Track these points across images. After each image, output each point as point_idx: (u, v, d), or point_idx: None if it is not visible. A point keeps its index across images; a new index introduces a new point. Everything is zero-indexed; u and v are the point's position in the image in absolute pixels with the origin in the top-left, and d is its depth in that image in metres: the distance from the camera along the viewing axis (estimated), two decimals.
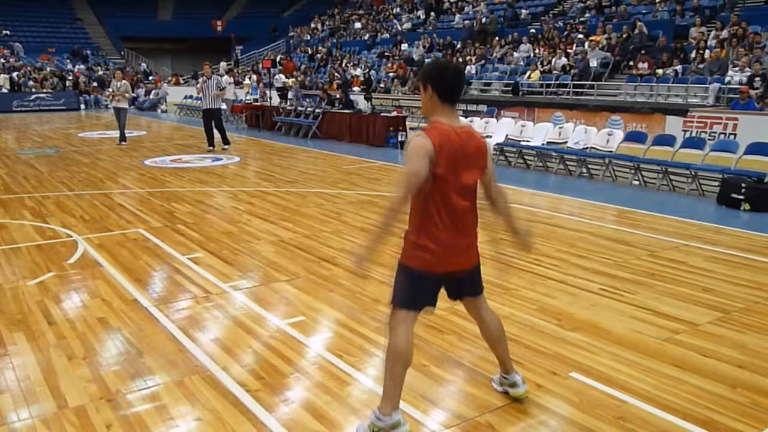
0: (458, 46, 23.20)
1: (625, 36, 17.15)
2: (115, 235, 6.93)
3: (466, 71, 20.17)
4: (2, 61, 33.19)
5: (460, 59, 21.57)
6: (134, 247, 6.44)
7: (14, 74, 30.88)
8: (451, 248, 3.02)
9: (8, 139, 18.02)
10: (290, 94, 21.88)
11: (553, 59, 17.89)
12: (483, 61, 20.66)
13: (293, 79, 25.77)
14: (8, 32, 37.14)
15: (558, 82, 16.86)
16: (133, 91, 22.91)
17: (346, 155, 13.43)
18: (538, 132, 12.22)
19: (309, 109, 17.85)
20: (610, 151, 10.75)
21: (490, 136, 12.73)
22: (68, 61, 36.22)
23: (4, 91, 28.94)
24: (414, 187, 2.87)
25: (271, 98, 21.24)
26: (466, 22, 24.94)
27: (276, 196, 9.06)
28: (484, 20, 23.67)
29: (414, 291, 3.07)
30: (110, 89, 16.32)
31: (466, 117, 14.35)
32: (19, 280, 5.46)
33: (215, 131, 14.32)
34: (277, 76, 25.15)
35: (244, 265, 5.90)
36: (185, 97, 26.78)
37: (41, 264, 5.90)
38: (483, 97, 18.06)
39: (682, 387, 3.59)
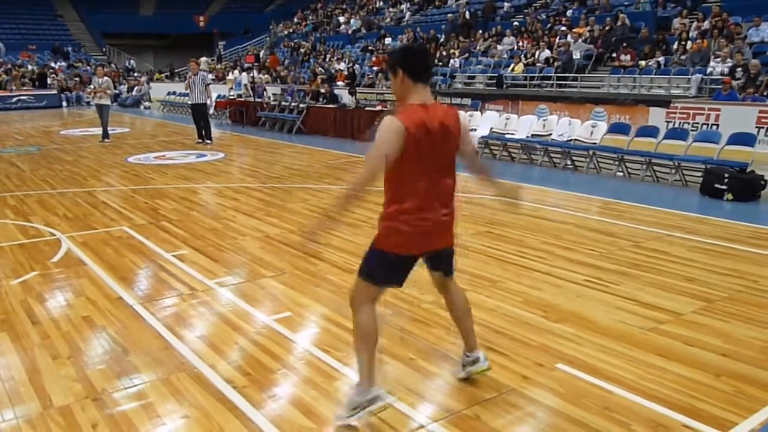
0: (441, 39, 23.19)
1: (607, 28, 17.21)
2: (99, 233, 6.87)
3: (450, 65, 20.19)
4: None
5: (444, 53, 21.56)
6: (118, 245, 6.38)
7: None
8: (429, 225, 3.05)
9: None
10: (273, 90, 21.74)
11: (537, 52, 17.93)
12: (467, 55, 20.66)
13: (266, 76, 25.59)
14: None
15: (542, 74, 16.91)
16: (115, 88, 22.67)
17: (330, 150, 13.40)
18: (522, 125, 12.25)
19: (293, 104, 17.77)
20: (594, 143, 10.80)
21: (475, 130, 12.74)
22: (49, 58, 35.77)
23: None
24: (379, 169, 2.91)
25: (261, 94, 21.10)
26: (450, 15, 24.92)
27: (261, 191, 9.01)
28: (467, 14, 23.66)
29: (385, 269, 3.10)
30: (92, 86, 16.15)
31: None
32: (1, 279, 5.39)
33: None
34: (242, 74, 24.96)
35: (230, 262, 5.87)
36: (168, 93, 26.56)
37: (24, 263, 5.83)
38: (467, 90, 18.06)
39: (666, 376, 3.62)
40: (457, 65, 20.10)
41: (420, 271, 5.36)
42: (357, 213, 7.52)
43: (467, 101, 16.13)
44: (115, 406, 3.37)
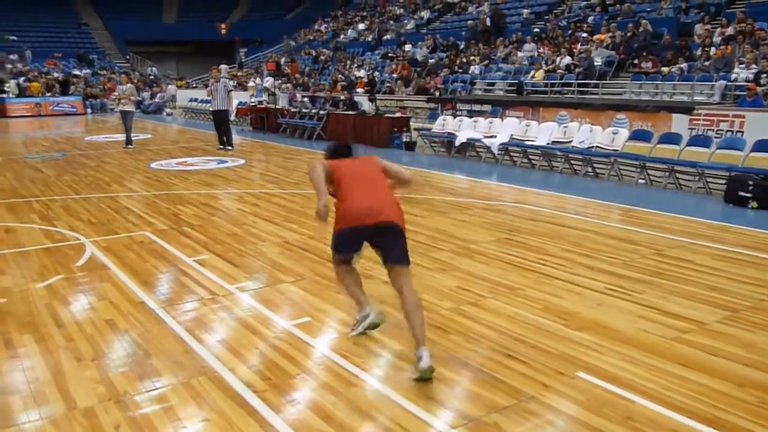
0: (462, 46, 23.20)
1: (629, 34, 17.09)
2: (121, 237, 6.96)
3: (469, 72, 20.19)
4: (10, 66, 33.37)
5: (464, 59, 21.56)
6: (141, 250, 6.46)
7: (21, 79, 31.05)
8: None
9: (16, 143, 18.12)
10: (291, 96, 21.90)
11: (557, 58, 17.86)
12: (487, 61, 20.64)
13: (288, 84, 25.78)
14: (14, 38, 37.32)
15: (562, 81, 16.83)
16: (138, 95, 23.02)
17: None
18: (542, 131, 12.20)
19: (313, 111, 17.87)
20: (616, 150, 10.72)
21: (495, 136, 12.73)
22: (74, 65, 36.38)
23: (12, 96, 29.07)
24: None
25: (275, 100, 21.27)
26: (470, 22, 24.93)
27: (281, 197, 9.08)
28: (487, 20, 23.65)
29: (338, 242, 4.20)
30: (116, 93, 16.41)
31: (470, 117, 14.35)
32: (27, 283, 5.49)
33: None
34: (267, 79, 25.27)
35: (250, 267, 5.92)
36: (190, 100, 26.86)
37: (49, 267, 5.93)
38: (487, 97, 18.04)
39: (689, 386, 3.58)
40: (477, 72, 20.09)
41: (437, 279, 5.37)
42: None
43: (487, 108, 16.10)
44: (137, 409, 3.41)
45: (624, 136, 10.85)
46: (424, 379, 3.64)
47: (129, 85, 15.72)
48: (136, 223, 7.65)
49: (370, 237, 4.02)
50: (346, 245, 4.20)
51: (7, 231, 7.33)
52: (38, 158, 13.90)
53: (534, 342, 4.18)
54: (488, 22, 23.67)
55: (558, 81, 16.92)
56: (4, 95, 28.85)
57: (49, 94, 30.15)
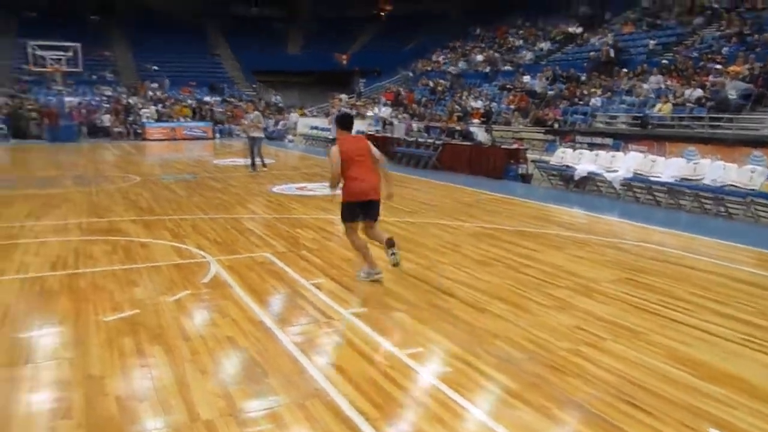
0: (582, 77, 22.67)
1: None
2: (243, 258, 7.30)
3: (590, 104, 19.66)
4: (150, 93, 36.29)
5: (584, 92, 21.04)
6: (261, 270, 6.74)
7: (159, 106, 33.66)
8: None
9: (153, 165, 19.60)
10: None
11: (687, 91, 17.01)
12: (609, 93, 20.03)
13: (404, 114, 26.20)
14: (156, 68, 40.58)
15: (692, 114, 15.99)
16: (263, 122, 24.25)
17: (465, 187, 13.41)
18: (668, 167, 11.61)
19: (429, 140, 18.04)
20: (753, 190, 10.00)
21: (617, 170, 12.27)
22: (206, 93, 38.97)
23: (152, 121, 31.53)
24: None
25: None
26: (592, 53, 24.36)
27: (395, 225, 9.18)
28: (610, 52, 22.99)
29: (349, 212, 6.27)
30: (245, 121, 17.42)
31: (591, 150, 13.94)
32: (158, 296, 5.87)
33: None
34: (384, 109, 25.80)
35: (364, 293, 6.01)
36: (311, 128, 27.92)
37: (178, 282, 6.32)
38: (608, 129, 17.47)
39: None
40: (598, 104, 19.54)
41: (554, 317, 5.19)
42: (490, 251, 7.48)
43: (608, 141, 15.58)
44: (254, 426, 3.53)
45: (762, 175, 10.11)
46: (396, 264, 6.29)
47: (256, 112, 16.64)
48: (257, 244, 8.01)
49: (362, 207, 6.17)
50: (350, 215, 6.24)
51: (143, 246, 7.90)
52: (172, 179, 14.93)
53: (658, 390, 3.94)
54: (611, 53, 23.02)
55: (687, 115, 16.10)
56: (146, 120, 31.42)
57: (183, 119, 32.51)
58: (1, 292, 6.01)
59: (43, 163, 19.73)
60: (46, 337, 4.93)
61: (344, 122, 6.49)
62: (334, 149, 6.18)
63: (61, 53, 31.13)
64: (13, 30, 40.49)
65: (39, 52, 31.17)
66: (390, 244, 6.24)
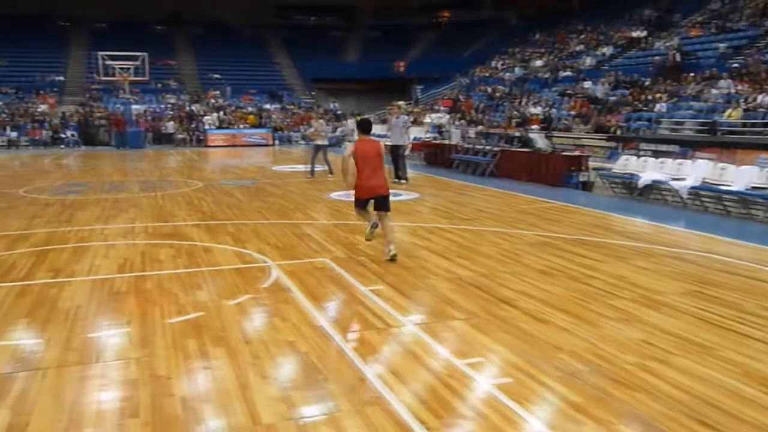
0: (646, 82, 22.10)
1: None
2: (303, 263, 7.39)
3: (655, 110, 19.13)
4: (213, 101, 37.31)
5: (648, 97, 20.49)
6: (321, 276, 6.81)
7: (220, 113, 34.55)
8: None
9: (214, 170, 20.11)
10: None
11: (760, 96, 16.35)
12: (675, 99, 19.45)
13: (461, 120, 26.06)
14: (218, 76, 41.70)
15: (764, 120, 15.36)
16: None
17: (523, 194, 13.23)
18: (740, 175, 11.15)
19: (487, 147, 17.89)
20: None
21: (684, 179, 11.88)
22: (266, 101, 39.80)
23: (213, 128, 32.40)
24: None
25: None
26: (657, 57, 23.72)
27: (452, 233, 9.14)
28: (676, 56, 22.34)
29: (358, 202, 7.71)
30: (311, 129, 17.88)
31: (655, 157, 13.54)
32: (221, 299, 6.01)
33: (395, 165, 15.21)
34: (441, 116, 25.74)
35: (423, 301, 6.00)
36: None
37: (240, 286, 6.45)
38: (674, 137, 16.96)
39: None
40: (664, 110, 19.00)
41: (619, 330, 5.05)
42: (551, 261, 7.34)
43: (674, 148, 15.12)
44: (314, 431, 3.56)
45: None
46: (393, 259, 7.32)
47: (320, 121, 17.01)
48: (316, 250, 8.10)
49: (371, 199, 7.53)
50: (360, 204, 7.72)
51: (206, 250, 8.10)
52: (232, 185, 15.28)
53: (732, 410, 3.78)
54: (677, 57, 22.37)
55: (759, 121, 15.47)
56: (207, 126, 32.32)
57: (245, 126, 33.31)
58: (74, 293, 6.26)
59: (112, 168, 20.53)
60: (114, 337, 5.10)
61: (364, 126, 7.86)
62: (350, 146, 7.72)
63: (129, 63, 32.39)
64: (85, 42, 42.41)
65: (108, 62, 32.49)
66: (374, 225, 7.67)
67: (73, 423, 3.70)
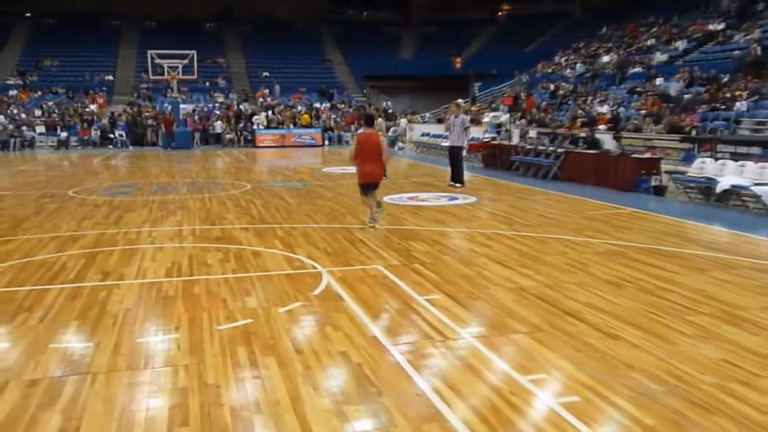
0: (724, 79, 21.39)
1: None
2: (355, 270, 7.42)
3: (735, 108, 18.50)
4: (261, 100, 37.95)
5: (727, 94, 19.84)
6: (374, 284, 6.82)
7: (269, 112, 35.09)
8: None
9: (262, 172, 20.44)
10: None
11: None
12: (757, 97, 18.76)
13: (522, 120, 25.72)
14: (267, 74, 42.41)
15: None
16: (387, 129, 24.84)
17: (589, 199, 12.98)
18: None
19: (550, 148, 17.62)
20: None
21: (767, 184, 11.43)
22: (316, 99, 40.23)
23: (262, 128, 32.94)
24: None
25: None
26: (736, 52, 22.94)
27: (514, 240, 9.02)
28: (758, 50, 21.56)
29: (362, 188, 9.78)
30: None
31: (735, 160, 13.08)
32: (271, 306, 6.08)
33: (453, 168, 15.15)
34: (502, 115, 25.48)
35: (482, 312, 5.94)
36: (422, 135, 28.07)
37: (290, 293, 6.51)
38: (756, 138, 16.36)
39: None
40: (744, 109, 18.36)
41: (696, 348, 4.87)
42: (622, 272, 7.17)
43: (756, 150, 14.58)
44: None
45: None
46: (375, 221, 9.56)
47: (379, 119, 17.09)
48: (369, 256, 8.12)
49: (366, 186, 9.47)
50: (361, 189, 9.65)
51: (255, 255, 8.22)
52: (282, 186, 15.49)
53: None
54: (758, 51, 21.58)
55: None
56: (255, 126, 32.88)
57: (298, 126, 33.80)
58: (123, 296, 6.44)
59: (159, 169, 21.11)
60: (163, 343, 5.22)
61: (368, 120, 10.33)
62: (353, 150, 9.66)
63: (178, 61, 33.23)
64: (134, 41, 43.81)
65: (158, 60, 33.43)
66: (379, 204, 9.90)
67: (122, 430, 3.80)
